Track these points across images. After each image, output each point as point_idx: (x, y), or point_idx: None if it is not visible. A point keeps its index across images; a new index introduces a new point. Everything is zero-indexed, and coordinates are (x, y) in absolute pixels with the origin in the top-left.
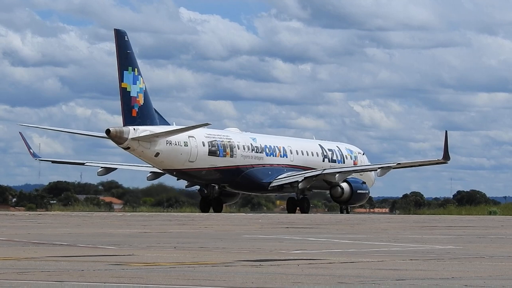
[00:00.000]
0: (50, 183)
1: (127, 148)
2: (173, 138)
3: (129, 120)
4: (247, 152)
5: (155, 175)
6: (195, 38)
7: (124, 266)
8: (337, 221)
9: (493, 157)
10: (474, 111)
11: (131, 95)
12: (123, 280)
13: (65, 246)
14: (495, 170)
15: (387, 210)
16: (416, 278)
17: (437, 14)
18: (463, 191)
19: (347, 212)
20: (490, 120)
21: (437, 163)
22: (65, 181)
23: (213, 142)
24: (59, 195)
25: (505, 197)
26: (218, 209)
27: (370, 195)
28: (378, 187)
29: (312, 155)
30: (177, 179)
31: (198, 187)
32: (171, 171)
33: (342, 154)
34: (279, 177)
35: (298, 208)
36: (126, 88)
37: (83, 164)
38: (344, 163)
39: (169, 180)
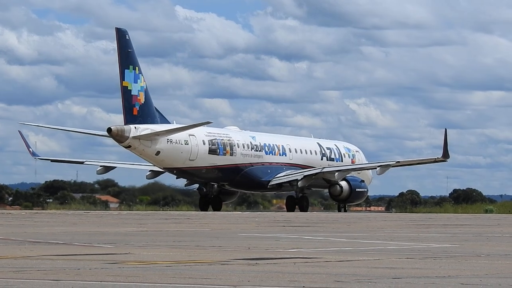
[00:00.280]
0: (46, 181)
1: (128, 147)
2: (174, 136)
3: (130, 118)
4: (247, 151)
5: (155, 174)
6: (191, 36)
7: (121, 265)
8: (333, 220)
9: (489, 156)
10: (470, 109)
11: (132, 93)
12: (119, 278)
13: (61, 244)
14: (491, 169)
15: (383, 208)
16: (412, 276)
17: (433, 12)
18: (460, 189)
19: (345, 211)
20: (486, 118)
21: (436, 161)
22: (61, 180)
23: (214, 141)
24: (55, 193)
25: (501, 195)
26: (217, 208)
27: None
28: (374, 185)
29: (311, 153)
30: (177, 178)
31: (197, 185)
32: (171, 170)
33: (340, 153)
34: (278, 175)
35: (297, 206)
36: (127, 86)
37: (82, 163)
38: (342, 161)
39: (165, 179)
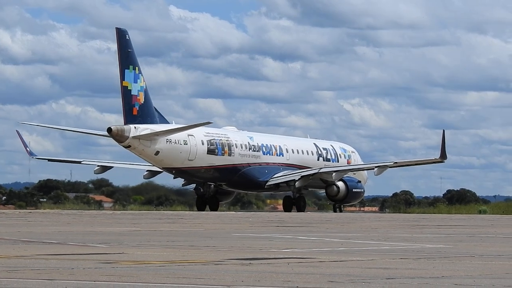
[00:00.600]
0: (40, 181)
1: (128, 147)
2: (173, 136)
3: (130, 118)
4: (245, 151)
5: (152, 174)
6: (185, 36)
7: (114, 265)
8: (327, 220)
9: (483, 156)
10: (464, 110)
11: (132, 93)
12: (113, 278)
13: (55, 244)
14: (485, 169)
15: (377, 209)
16: (406, 277)
17: (427, 12)
18: (453, 190)
19: (340, 211)
20: (480, 119)
21: (434, 162)
22: (55, 179)
23: (212, 141)
24: (49, 193)
25: (495, 196)
26: (214, 208)
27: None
28: (368, 186)
29: (307, 154)
30: (174, 178)
31: (194, 185)
32: (170, 170)
33: (336, 153)
34: (275, 175)
35: (294, 206)
36: (127, 86)
37: (79, 162)
38: (338, 162)
39: (160, 179)
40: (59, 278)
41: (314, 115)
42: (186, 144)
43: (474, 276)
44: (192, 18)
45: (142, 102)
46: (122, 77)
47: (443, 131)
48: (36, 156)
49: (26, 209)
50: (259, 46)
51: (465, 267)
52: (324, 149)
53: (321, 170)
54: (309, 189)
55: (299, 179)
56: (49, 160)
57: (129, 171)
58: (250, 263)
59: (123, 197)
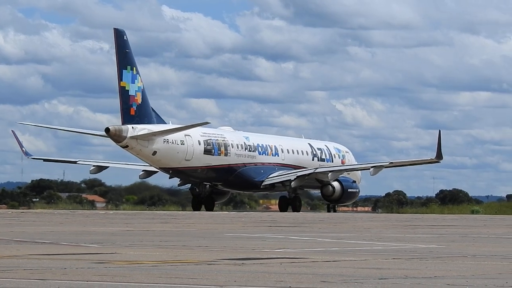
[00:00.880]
0: (32, 181)
1: (125, 147)
2: (170, 136)
3: (127, 118)
4: (241, 151)
5: (148, 174)
6: (178, 36)
7: (107, 265)
8: (320, 220)
9: (476, 156)
10: (457, 110)
11: (129, 93)
12: (106, 278)
13: (47, 244)
14: (478, 169)
15: (369, 209)
16: (398, 277)
17: (419, 13)
18: (446, 190)
19: (334, 211)
20: (473, 119)
21: (430, 162)
22: (48, 179)
23: (209, 141)
24: (42, 193)
25: (487, 196)
26: (209, 208)
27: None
28: (361, 186)
29: (302, 154)
30: (170, 178)
31: (189, 185)
32: (167, 170)
33: (331, 153)
34: (271, 175)
35: (289, 206)
36: (125, 87)
37: (75, 162)
38: (332, 162)
39: (153, 179)
40: (52, 278)
41: (306, 115)
42: (183, 144)
43: (467, 276)
44: (184, 18)
45: (140, 103)
46: (120, 78)
47: (439, 131)
48: (32, 156)
49: (19, 209)
50: (252, 46)
51: (458, 267)
52: (319, 149)
53: (317, 170)
54: (304, 189)
55: (294, 179)
56: (44, 160)
57: (122, 171)
58: (243, 263)
59: (116, 197)
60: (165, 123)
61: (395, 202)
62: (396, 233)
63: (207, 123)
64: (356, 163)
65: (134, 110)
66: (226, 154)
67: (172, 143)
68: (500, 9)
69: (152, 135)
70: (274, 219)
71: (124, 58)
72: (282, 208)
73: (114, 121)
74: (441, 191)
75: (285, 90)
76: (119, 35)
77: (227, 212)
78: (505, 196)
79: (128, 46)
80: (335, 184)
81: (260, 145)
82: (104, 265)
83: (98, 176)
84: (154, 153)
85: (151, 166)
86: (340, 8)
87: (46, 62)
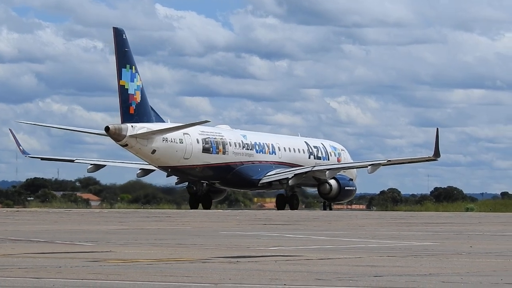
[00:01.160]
0: (27, 179)
1: (125, 145)
2: (169, 135)
3: (126, 117)
4: (238, 149)
5: (145, 172)
6: (171, 34)
7: (102, 263)
8: (314, 218)
9: (470, 154)
10: (450, 107)
11: (129, 92)
12: (101, 276)
13: (42, 242)
14: (472, 167)
15: (364, 206)
16: (393, 274)
17: (413, 10)
18: (440, 187)
19: (330, 209)
20: (467, 116)
21: (427, 160)
22: (42, 178)
23: (207, 140)
24: (37, 191)
25: (482, 194)
26: (207, 206)
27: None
28: (355, 184)
29: (299, 152)
30: (167, 176)
31: (186, 183)
32: (166, 168)
33: (327, 151)
34: (268, 174)
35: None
36: (124, 85)
37: (72, 161)
38: (328, 160)
39: (149, 177)
40: (47, 277)
41: (300, 113)
42: (182, 142)
43: (462, 274)
44: (178, 16)
45: (139, 101)
46: (119, 76)
47: (437, 129)
48: (29, 154)
49: (13, 207)
50: (246, 44)
51: (453, 265)
52: (315, 147)
53: (314, 168)
54: (301, 187)
55: (292, 177)
56: (42, 159)
57: (116, 169)
58: (237, 261)
59: (111, 195)
60: (164, 121)
61: (389, 200)
62: (390, 231)
63: (207, 121)
64: (352, 161)
65: (134, 109)
66: (224, 153)
67: (171, 141)
68: (494, 6)
69: (152, 134)
70: (269, 217)
71: (124, 57)
72: (280, 206)
73: (109, 119)
74: (436, 189)
75: (279, 88)
76: (118, 34)
77: (221, 210)
78: (499, 194)
79: (127, 45)
80: (332, 182)
81: (258, 143)
82: (99, 263)
83: (92, 174)
84: (153, 151)
85: (148, 164)
86: (333, 6)
87: (39, 60)
